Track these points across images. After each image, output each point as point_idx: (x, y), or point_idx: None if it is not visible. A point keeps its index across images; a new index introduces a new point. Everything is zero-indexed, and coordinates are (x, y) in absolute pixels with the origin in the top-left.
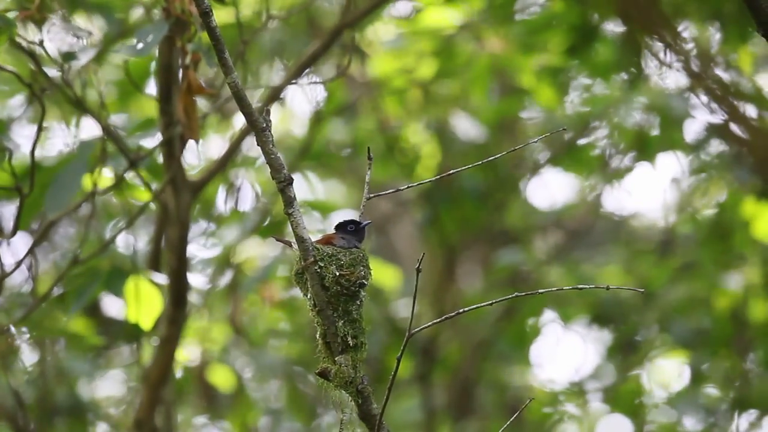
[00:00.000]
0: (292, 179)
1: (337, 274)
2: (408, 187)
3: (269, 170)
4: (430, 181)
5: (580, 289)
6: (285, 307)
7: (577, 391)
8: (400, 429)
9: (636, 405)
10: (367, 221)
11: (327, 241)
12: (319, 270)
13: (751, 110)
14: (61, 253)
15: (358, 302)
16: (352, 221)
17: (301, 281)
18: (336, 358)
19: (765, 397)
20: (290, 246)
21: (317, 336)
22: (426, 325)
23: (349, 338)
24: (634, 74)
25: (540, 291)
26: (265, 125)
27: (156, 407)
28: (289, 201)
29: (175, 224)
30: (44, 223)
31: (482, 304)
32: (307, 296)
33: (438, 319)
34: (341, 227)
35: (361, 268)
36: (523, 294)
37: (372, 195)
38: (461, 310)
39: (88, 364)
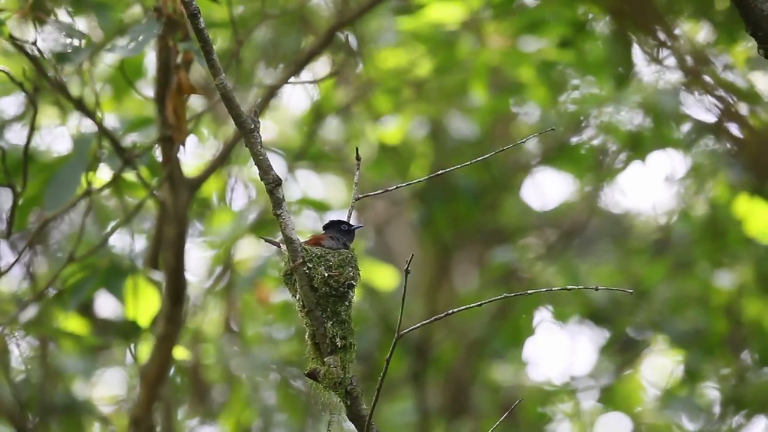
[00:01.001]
0: (281, 180)
1: (326, 275)
2: (397, 187)
3: (258, 171)
4: (420, 181)
5: (569, 289)
6: (279, 309)
7: (571, 390)
8: (395, 431)
9: (631, 404)
10: (358, 225)
11: (316, 241)
12: (307, 271)
13: (744, 108)
14: (58, 252)
15: (346, 303)
16: (342, 222)
17: (290, 282)
18: (325, 359)
19: (760, 395)
20: (279, 247)
21: (306, 337)
22: (414, 327)
23: (338, 339)
24: (624, 71)
25: (530, 292)
26: (253, 126)
27: (153, 405)
28: (278, 202)
29: (172, 222)
30: (41, 221)
31: (471, 305)
32: (296, 297)
33: (426, 320)
34: (330, 227)
35: (350, 269)
36: (513, 295)
37: (361, 195)
38: (450, 311)
39: (83, 363)
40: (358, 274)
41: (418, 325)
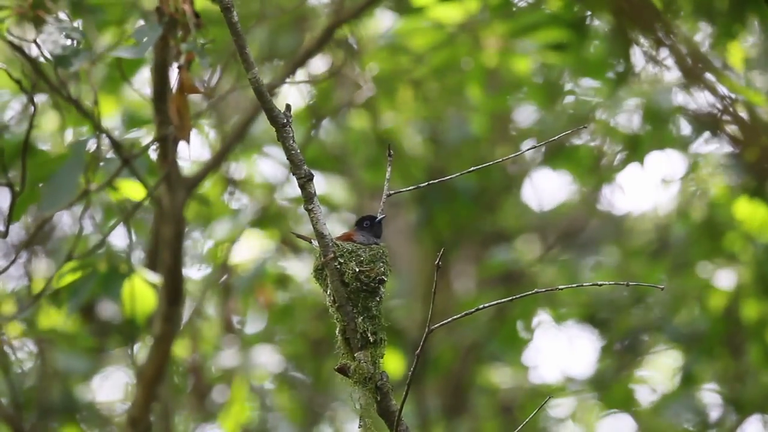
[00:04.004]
0: (313, 175)
1: (357, 270)
2: (428, 184)
3: (290, 166)
4: (440, 180)
5: (600, 285)
6: (280, 310)
7: (570, 391)
8: None
9: (630, 405)
10: (382, 216)
11: (347, 237)
12: (338, 266)
13: (743, 107)
14: (57, 252)
15: (377, 298)
16: (369, 217)
17: (320, 277)
18: (355, 354)
19: (758, 397)
20: (310, 242)
21: (336, 332)
22: (445, 322)
23: (369, 334)
24: (623, 70)
25: (560, 287)
26: (285, 121)
27: (151, 405)
28: (310, 197)
29: (170, 222)
30: (39, 221)
31: (502, 301)
32: (326, 292)
33: (457, 316)
34: (359, 223)
35: (381, 264)
36: (545, 290)
37: (392, 192)
38: (480, 307)
39: (84, 363)
40: (390, 270)
41: (448, 320)
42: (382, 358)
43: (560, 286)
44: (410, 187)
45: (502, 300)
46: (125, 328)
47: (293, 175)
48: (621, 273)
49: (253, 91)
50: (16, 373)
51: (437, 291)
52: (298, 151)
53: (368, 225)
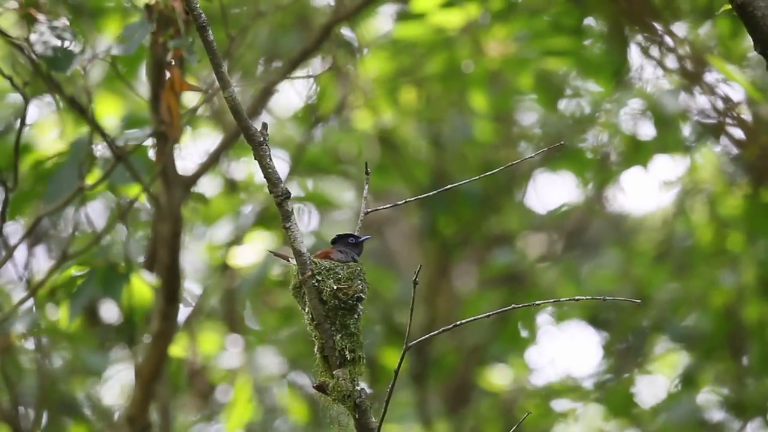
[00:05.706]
0: (290, 194)
1: (335, 287)
2: (406, 202)
3: (267, 185)
4: (426, 195)
5: (577, 300)
6: (283, 312)
7: (572, 392)
8: None
9: (630, 407)
10: (366, 236)
11: (325, 255)
12: (316, 284)
13: (745, 108)
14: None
15: (355, 316)
16: (350, 235)
17: (298, 295)
18: (334, 372)
19: (761, 398)
20: (288, 261)
21: (315, 350)
22: (421, 339)
23: (347, 352)
24: (622, 70)
25: (538, 302)
26: (262, 139)
27: (149, 403)
28: (287, 215)
29: (167, 220)
30: (36, 218)
31: (479, 317)
32: (304, 310)
33: (434, 332)
34: (339, 241)
35: (359, 281)
36: (520, 306)
37: (370, 210)
38: (458, 323)
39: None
40: (367, 287)
41: (426, 336)
42: (360, 375)
43: (537, 302)
44: (387, 206)
45: (480, 316)
46: (124, 327)
47: (270, 193)
48: (624, 275)
49: (230, 110)
50: (16, 372)
51: (440, 294)
52: (276, 169)
53: (353, 241)
